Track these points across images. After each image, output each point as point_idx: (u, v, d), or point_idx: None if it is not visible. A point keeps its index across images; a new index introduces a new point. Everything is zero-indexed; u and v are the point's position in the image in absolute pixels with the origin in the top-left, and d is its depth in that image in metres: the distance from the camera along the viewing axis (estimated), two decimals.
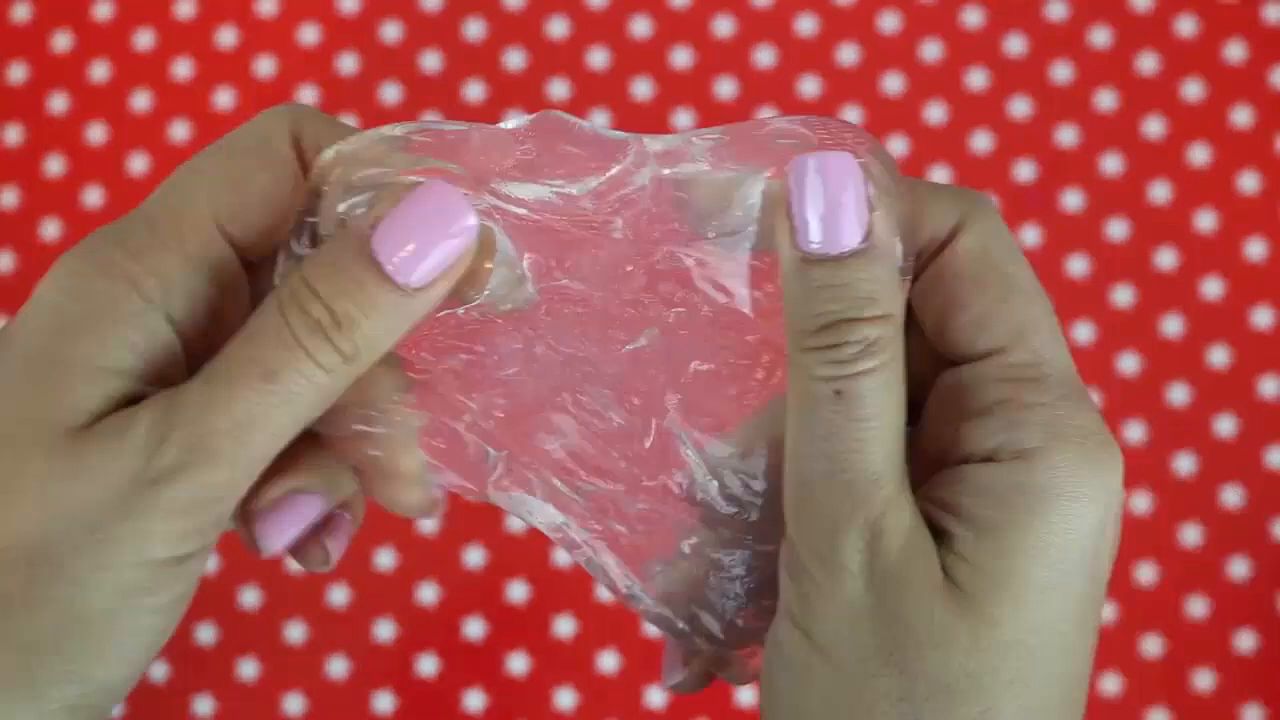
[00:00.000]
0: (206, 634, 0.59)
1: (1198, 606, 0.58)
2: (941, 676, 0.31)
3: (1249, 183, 0.59)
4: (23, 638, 0.31)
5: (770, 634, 0.33)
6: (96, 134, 0.62)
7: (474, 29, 0.62)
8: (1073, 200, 0.60)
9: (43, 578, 0.31)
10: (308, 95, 0.62)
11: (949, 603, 0.31)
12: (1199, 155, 0.59)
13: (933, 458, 0.33)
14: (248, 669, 0.59)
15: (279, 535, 0.35)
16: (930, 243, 0.33)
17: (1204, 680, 0.57)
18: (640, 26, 0.61)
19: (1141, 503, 0.58)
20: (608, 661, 0.59)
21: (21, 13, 0.63)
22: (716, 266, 0.34)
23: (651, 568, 0.35)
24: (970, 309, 0.33)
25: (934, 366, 0.34)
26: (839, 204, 0.31)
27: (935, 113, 0.60)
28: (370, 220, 0.32)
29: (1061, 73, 0.60)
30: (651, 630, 0.58)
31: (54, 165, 0.62)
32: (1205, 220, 0.59)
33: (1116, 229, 0.59)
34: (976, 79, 0.60)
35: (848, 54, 0.61)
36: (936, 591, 0.31)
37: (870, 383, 0.31)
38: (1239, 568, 0.58)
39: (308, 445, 0.35)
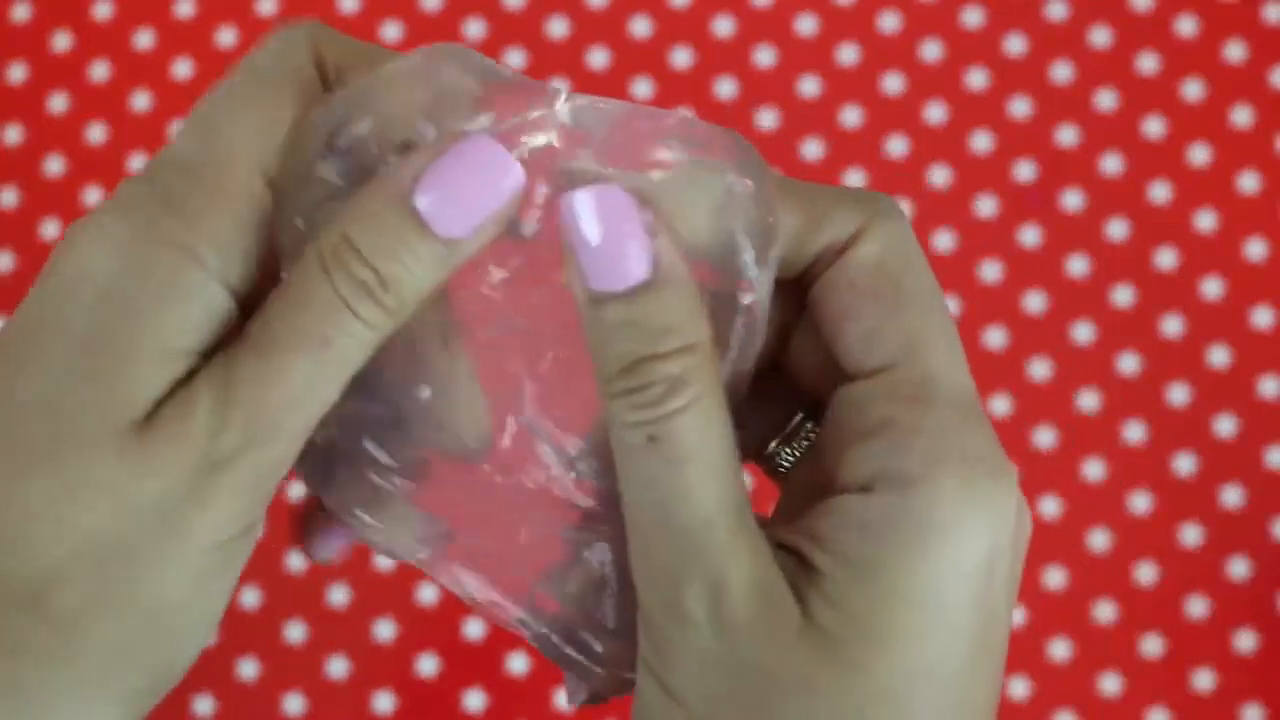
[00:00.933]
0: None
1: (1198, 606, 0.58)
2: None
3: (1249, 183, 0.59)
4: (107, 638, 0.31)
5: (636, 682, 0.32)
6: (96, 134, 0.62)
7: (474, 29, 0.62)
8: (1073, 200, 0.60)
9: (119, 577, 0.30)
10: None
11: (811, 649, 0.29)
12: (1199, 155, 0.59)
13: (824, 482, 0.31)
14: (248, 669, 0.59)
15: (329, 547, 0.36)
16: (828, 249, 0.32)
17: (1204, 680, 0.57)
18: (640, 26, 0.61)
19: (1141, 503, 0.58)
20: None
21: (21, 13, 0.63)
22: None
23: (542, 582, 0.33)
24: (862, 321, 0.31)
25: (835, 381, 0.32)
26: (617, 238, 0.29)
27: (935, 113, 0.60)
28: (411, 172, 0.31)
29: (1061, 73, 0.60)
30: None
31: (54, 165, 0.62)
32: (1205, 220, 0.59)
33: (1116, 229, 0.59)
34: (976, 79, 0.60)
35: (848, 54, 0.61)
36: (794, 638, 0.29)
37: (684, 422, 0.29)
38: (1239, 568, 0.58)
39: None
